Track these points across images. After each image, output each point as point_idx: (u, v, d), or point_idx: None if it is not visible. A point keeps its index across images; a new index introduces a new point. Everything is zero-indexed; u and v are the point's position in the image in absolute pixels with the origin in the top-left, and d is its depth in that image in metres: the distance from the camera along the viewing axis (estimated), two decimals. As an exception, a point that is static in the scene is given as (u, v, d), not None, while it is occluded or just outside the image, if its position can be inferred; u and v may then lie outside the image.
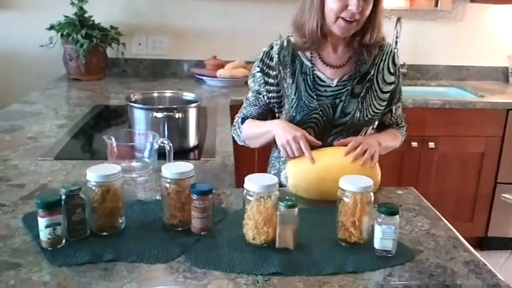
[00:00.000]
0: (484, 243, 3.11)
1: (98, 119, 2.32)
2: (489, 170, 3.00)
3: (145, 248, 1.14)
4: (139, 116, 1.79)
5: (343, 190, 1.16)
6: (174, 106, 1.79)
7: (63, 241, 1.15)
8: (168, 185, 1.21)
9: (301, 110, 1.63)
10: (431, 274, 1.07)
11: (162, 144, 1.60)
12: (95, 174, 1.18)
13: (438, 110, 2.88)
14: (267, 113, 1.73)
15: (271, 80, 1.66)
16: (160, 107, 1.81)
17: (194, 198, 1.19)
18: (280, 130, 1.51)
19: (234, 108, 2.57)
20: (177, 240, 1.18)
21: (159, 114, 1.74)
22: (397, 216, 1.12)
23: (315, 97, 1.62)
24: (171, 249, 1.14)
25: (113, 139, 1.60)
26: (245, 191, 1.16)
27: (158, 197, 1.41)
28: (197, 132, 1.88)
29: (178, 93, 1.97)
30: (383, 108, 1.66)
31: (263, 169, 1.87)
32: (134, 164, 1.64)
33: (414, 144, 2.88)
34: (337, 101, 1.62)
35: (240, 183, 1.73)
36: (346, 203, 1.16)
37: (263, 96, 1.68)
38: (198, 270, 1.07)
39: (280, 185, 1.65)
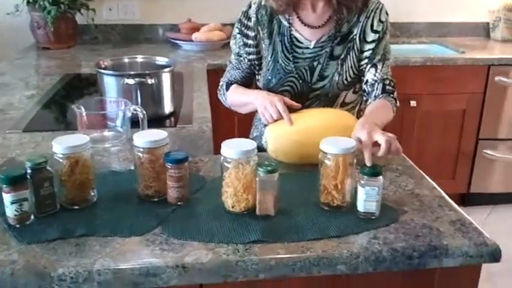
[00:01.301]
0: (466, 199, 3.13)
1: (69, 88, 2.23)
2: (471, 127, 2.99)
3: (119, 220, 1.09)
4: (110, 83, 1.71)
5: (325, 153, 1.11)
6: (147, 72, 1.71)
7: (32, 217, 1.09)
8: (140, 155, 1.15)
9: (277, 73, 1.56)
10: (416, 235, 1.04)
11: (134, 112, 1.53)
12: (61, 145, 1.11)
13: (419, 68, 2.83)
14: (252, 77, 1.67)
15: (250, 42, 1.60)
16: (132, 72, 1.72)
17: (169, 167, 1.13)
18: (259, 99, 1.45)
19: (211, 72, 2.50)
20: (153, 212, 1.12)
21: (131, 81, 1.66)
22: (381, 177, 1.07)
23: (291, 59, 1.55)
24: (147, 221, 1.08)
25: (83, 108, 1.53)
26: (222, 157, 1.11)
27: (133, 167, 1.35)
28: (172, 98, 1.80)
29: (151, 58, 1.88)
30: (362, 69, 1.57)
31: (244, 134, 1.82)
32: (106, 133, 1.57)
33: (396, 103, 2.84)
34: (315, 63, 1.55)
35: (218, 150, 1.68)
36: (327, 166, 1.11)
37: (244, 59, 1.62)
38: (175, 241, 1.02)
39: (263, 149, 1.61)
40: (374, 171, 1.07)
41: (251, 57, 1.61)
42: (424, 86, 2.87)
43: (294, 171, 1.32)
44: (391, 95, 1.55)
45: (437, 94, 2.90)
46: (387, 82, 1.55)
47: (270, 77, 1.56)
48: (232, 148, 1.09)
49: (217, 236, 1.03)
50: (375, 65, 1.55)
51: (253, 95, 1.52)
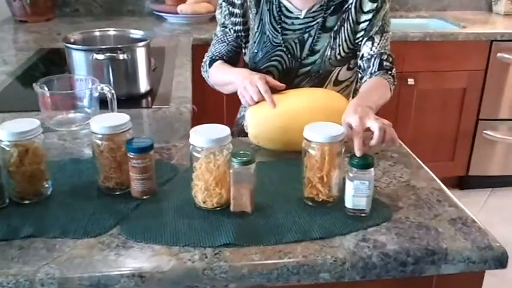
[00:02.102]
0: (464, 182, 3.00)
1: (43, 64, 2.07)
2: (471, 107, 2.84)
3: (73, 218, 0.95)
4: (78, 59, 1.55)
5: (308, 141, 0.97)
6: (118, 46, 1.55)
7: (-26, 214, 0.95)
8: (99, 142, 1.01)
9: (264, 46, 1.41)
10: (412, 237, 0.91)
11: (102, 91, 1.38)
12: (7, 131, 0.97)
13: (418, 44, 2.67)
14: (239, 51, 1.51)
15: (236, 10, 1.44)
16: (102, 47, 1.56)
17: (131, 156, 0.99)
18: (239, 79, 1.29)
19: (197, 48, 2.33)
20: (113, 208, 0.99)
21: (100, 56, 1.51)
22: (372, 169, 0.94)
23: (279, 31, 1.40)
24: (104, 219, 0.95)
25: (45, 87, 1.38)
26: (191, 146, 0.97)
27: (96, 154, 1.21)
28: (149, 75, 1.65)
29: (125, 32, 1.72)
30: (358, 43, 1.41)
31: (234, 116, 1.68)
32: (72, 115, 1.42)
33: (393, 81, 2.69)
34: (306, 36, 1.40)
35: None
36: (312, 156, 0.97)
37: (229, 30, 1.47)
38: (134, 244, 0.89)
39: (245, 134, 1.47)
40: (364, 163, 0.93)
41: (237, 28, 1.46)
42: (422, 63, 2.72)
43: (276, 159, 1.18)
44: (389, 72, 1.38)
45: (436, 71, 2.75)
46: (385, 57, 1.38)
47: (256, 50, 1.42)
48: (203, 135, 0.95)
49: (184, 237, 0.90)
50: (371, 38, 1.38)
51: (234, 74, 1.37)
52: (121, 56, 1.52)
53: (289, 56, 1.40)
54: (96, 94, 1.38)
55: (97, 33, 1.70)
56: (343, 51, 1.40)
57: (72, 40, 1.62)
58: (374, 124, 1.04)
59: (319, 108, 1.20)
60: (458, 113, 2.86)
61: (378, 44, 1.38)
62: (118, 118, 1.03)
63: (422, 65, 2.72)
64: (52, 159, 1.18)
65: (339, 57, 1.40)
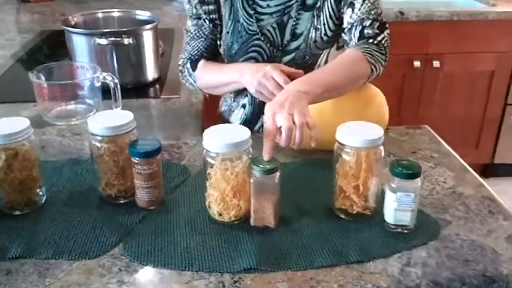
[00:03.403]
0: (489, 170, 2.84)
1: (44, 48, 1.93)
2: (499, 91, 2.66)
3: (69, 234, 0.82)
4: (79, 43, 1.41)
5: (342, 144, 0.83)
6: (123, 29, 1.41)
7: (-44, 228, 0.83)
8: (99, 144, 0.87)
9: (239, 37, 1.21)
10: (465, 259, 0.77)
11: (104, 81, 1.24)
12: (-8, 133, 0.84)
13: (444, 23, 2.49)
14: (217, 45, 1.27)
15: None
16: (105, 30, 1.42)
17: (136, 162, 0.86)
18: (248, 75, 1.11)
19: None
20: (115, 220, 0.86)
21: (103, 41, 1.36)
22: (419, 179, 0.79)
23: (254, 16, 1.19)
24: (105, 236, 0.82)
25: (42, 76, 1.24)
26: (205, 150, 0.83)
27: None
28: (156, 62, 1.51)
29: (130, 12, 1.58)
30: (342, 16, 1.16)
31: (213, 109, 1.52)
32: (73, 107, 1.29)
33: (417, 63, 2.52)
34: (285, 18, 1.18)
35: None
36: (346, 162, 0.83)
37: (204, 21, 1.24)
38: (139, 267, 0.76)
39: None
40: (410, 172, 0.79)
41: (212, 16, 1.23)
42: (448, 44, 2.54)
43: (299, 159, 1.04)
44: (371, 41, 1.10)
45: (463, 53, 2.57)
46: (368, 23, 1.11)
47: (230, 42, 1.22)
48: (218, 138, 0.81)
49: (197, 260, 0.76)
50: (351, 4, 1.13)
51: (236, 72, 1.16)
52: (126, 41, 1.38)
53: (269, 44, 1.20)
54: (98, 84, 1.24)
55: (100, 15, 1.55)
56: (329, 29, 1.18)
57: (72, 23, 1.48)
58: (283, 122, 0.87)
59: (347, 99, 1.05)
60: (485, 97, 2.68)
61: (359, 10, 1.12)
62: (120, 116, 0.89)
63: (449, 46, 2.54)
64: (48, 158, 1.06)
65: (325, 38, 1.18)
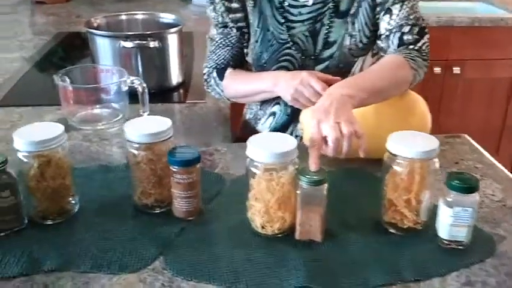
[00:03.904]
0: (508, 178, 2.80)
1: (61, 50, 1.90)
2: (519, 98, 2.63)
3: (106, 246, 0.78)
4: (103, 46, 1.38)
5: (393, 155, 0.79)
6: (148, 32, 1.37)
7: (-13, 238, 0.79)
8: (135, 152, 0.84)
9: (269, 46, 1.16)
10: (527, 278, 0.73)
11: (132, 85, 1.20)
12: (25, 140, 0.80)
13: (465, 30, 2.45)
14: (244, 53, 1.23)
15: (234, 5, 1.17)
16: (130, 33, 1.39)
17: (174, 170, 0.82)
18: (282, 84, 1.07)
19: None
20: (153, 232, 0.82)
21: (129, 44, 1.33)
22: (477, 193, 0.75)
23: (285, 25, 1.15)
24: (144, 248, 0.78)
25: (67, 79, 1.21)
26: (248, 159, 0.79)
27: (128, 161, 1.04)
28: (181, 66, 1.47)
29: (154, 15, 1.54)
30: (378, 22, 1.12)
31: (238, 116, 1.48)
32: (98, 111, 1.25)
33: (437, 70, 2.47)
34: (317, 26, 1.14)
35: (239, 135, 1.35)
36: (397, 174, 0.79)
37: (231, 29, 1.19)
38: (184, 283, 0.72)
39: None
40: (469, 186, 0.74)
41: (240, 24, 1.18)
42: (469, 50, 2.50)
43: (338, 168, 1.00)
44: (411, 47, 1.07)
45: (483, 60, 2.53)
46: (407, 29, 1.07)
47: (260, 51, 1.18)
48: (264, 147, 0.77)
49: (244, 276, 0.72)
50: (389, 10, 1.09)
51: (269, 80, 1.12)
52: (151, 44, 1.34)
53: (301, 53, 1.16)
54: (125, 88, 1.20)
55: (123, 17, 1.52)
56: (365, 36, 1.13)
57: (95, 25, 1.45)
58: (329, 133, 0.84)
59: (388, 106, 1.01)
60: (505, 104, 2.64)
61: (397, 16, 1.08)
62: (157, 123, 0.85)
63: (469, 52, 2.50)
64: (77, 165, 1.01)
65: (360, 45, 1.14)
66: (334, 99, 0.89)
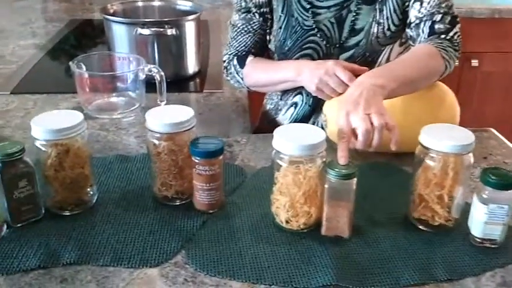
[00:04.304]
0: (524, 174, 2.75)
1: (75, 38, 1.87)
2: (538, 92, 2.57)
3: (126, 239, 0.76)
4: (119, 33, 1.35)
5: (426, 148, 0.75)
6: (166, 19, 1.34)
7: (4, 229, 0.77)
8: (156, 142, 0.81)
9: (293, 32, 1.12)
10: None
11: (150, 73, 1.17)
12: (44, 128, 0.77)
13: (484, 21, 2.40)
14: (266, 40, 1.19)
15: None
16: (147, 20, 1.35)
17: (197, 161, 0.79)
18: (306, 74, 1.03)
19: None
20: (174, 225, 0.79)
21: (146, 31, 1.30)
22: (514, 190, 0.72)
23: (310, 11, 1.11)
24: (165, 241, 0.75)
25: (83, 66, 1.18)
26: (274, 151, 0.76)
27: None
28: (198, 54, 1.44)
29: (171, 2, 1.50)
30: (407, 10, 1.08)
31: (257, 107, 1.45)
32: (115, 99, 1.23)
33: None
34: (344, 12, 1.10)
35: (257, 125, 1.32)
36: (430, 168, 0.76)
37: (254, 15, 1.16)
38: (206, 279, 0.69)
39: (276, 126, 1.25)
40: (506, 182, 0.71)
41: (263, 9, 1.15)
42: (488, 42, 2.44)
43: (363, 163, 0.96)
44: (443, 36, 1.03)
45: (502, 52, 2.47)
46: (438, 18, 1.03)
47: (283, 38, 1.14)
48: (291, 139, 0.74)
49: (269, 272, 0.70)
50: None
51: (291, 69, 1.08)
52: (169, 31, 1.31)
53: (325, 41, 1.12)
54: (142, 76, 1.17)
55: (139, 4, 1.49)
56: (393, 24, 1.09)
57: (111, 11, 1.42)
58: (359, 125, 0.81)
59: (417, 98, 0.97)
60: (524, 99, 2.59)
61: (429, 4, 1.04)
62: (179, 112, 0.82)
63: (488, 45, 2.44)
64: (94, 155, 0.99)
65: (388, 33, 1.09)
66: (364, 89, 0.85)
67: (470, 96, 2.54)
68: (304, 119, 1.20)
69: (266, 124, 1.29)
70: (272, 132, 1.23)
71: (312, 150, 0.74)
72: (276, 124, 1.25)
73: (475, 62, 2.45)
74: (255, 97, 1.43)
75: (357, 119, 0.80)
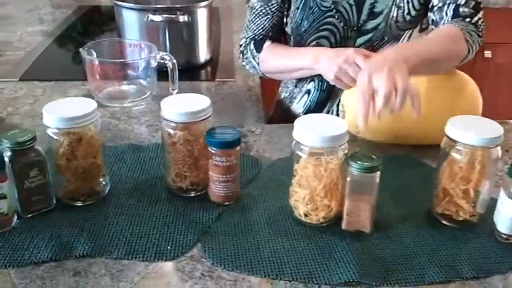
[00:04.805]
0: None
1: (84, 24, 1.84)
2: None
3: (140, 231, 0.74)
4: (130, 19, 1.32)
5: (452, 140, 0.73)
6: (178, 6, 1.31)
7: (15, 219, 0.75)
8: (172, 131, 0.78)
9: (310, 13, 1.09)
10: None
11: (162, 61, 1.15)
12: (56, 116, 0.75)
13: (499, 12, 2.35)
14: (283, 24, 1.17)
15: None
16: (159, 6, 1.32)
17: (213, 152, 0.76)
18: (324, 61, 1.00)
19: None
20: (189, 217, 0.77)
21: (157, 17, 1.27)
22: (544, 185, 0.69)
23: None
24: (181, 234, 0.73)
25: (94, 53, 1.15)
26: (294, 142, 0.73)
27: (160, 141, 0.99)
28: (209, 42, 1.41)
29: (183, -12, 1.47)
30: None
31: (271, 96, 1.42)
32: (125, 87, 1.20)
33: (468, 53, 2.39)
34: None
35: (271, 115, 1.30)
36: (456, 161, 0.73)
37: None
38: (223, 273, 0.67)
39: (290, 115, 1.21)
40: (536, 177, 0.68)
41: None
42: (502, 33, 2.39)
43: (382, 155, 0.94)
44: (468, 20, 1.00)
45: (516, 44, 2.44)
46: (462, 1, 1.00)
47: (300, 19, 1.11)
48: (313, 130, 0.72)
49: (288, 267, 0.67)
50: None
51: (309, 56, 1.05)
52: (181, 18, 1.28)
53: (343, 23, 1.09)
54: (154, 64, 1.15)
55: (150, -10, 1.46)
56: (414, 9, 1.06)
57: (122, -4, 1.38)
58: (382, 84, 0.78)
59: (435, 85, 0.94)
60: (536, 91, 2.55)
61: None
62: (195, 101, 0.80)
63: (502, 36, 2.40)
64: (106, 143, 0.97)
65: (408, 17, 1.06)
66: (388, 58, 0.83)
67: (482, 88, 2.48)
68: (318, 105, 1.17)
69: (280, 113, 1.27)
70: (287, 121, 1.21)
71: (334, 142, 0.71)
72: (291, 113, 1.22)
73: (488, 53, 2.41)
74: (268, 86, 1.40)
75: (380, 79, 0.78)
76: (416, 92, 0.79)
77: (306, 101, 1.19)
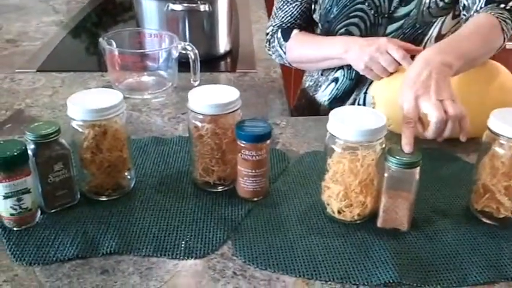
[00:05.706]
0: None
1: (101, 14, 1.82)
2: None
3: (168, 227, 0.71)
4: (149, 9, 1.29)
5: (496, 134, 0.69)
6: (197, -5, 1.28)
7: (38, 215, 0.72)
8: (199, 124, 0.75)
9: (339, 0, 1.07)
10: None
11: (183, 51, 1.12)
12: (81, 108, 0.72)
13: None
14: (312, 12, 1.13)
15: None
16: (179, -5, 1.29)
17: (243, 146, 0.73)
18: (355, 51, 0.97)
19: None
20: (218, 213, 0.74)
21: (178, 7, 1.24)
22: None
23: None
24: (210, 230, 0.71)
25: (114, 43, 1.13)
26: (328, 135, 0.70)
27: (182, 133, 0.96)
28: (229, 32, 1.38)
29: (203, -23, 1.44)
30: None
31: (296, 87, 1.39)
32: (146, 79, 1.18)
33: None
34: None
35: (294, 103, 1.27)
36: (498, 156, 0.69)
37: None
38: (256, 272, 0.64)
39: (314, 103, 1.17)
40: None
41: None
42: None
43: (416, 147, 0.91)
44: (502, 6, 0.95)
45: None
46: None
47: (329, 6, 1.08)
48: (350, 124, 0.68)
49: (324, 267, 0.64)
50: None
51: (339, 45, 1.03)
52: (202, 7, 1.25)
53: (374, 10, 1.05)
54: (176, 54, 1.12)
55: (171, -22, 1.42)
56: None
57: (141, -14, 1.35)
58: (432, 112, 0.74)
59: (470, 81, 0.90)
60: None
61: None
62: (224, 93, 0.77)
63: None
64: (128, 136, 0.94)
65: (441, 3, 1.02)
66: (433, 69, 0.78)
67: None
68: (344, 95, 1.14)
69: (303, 103, 1.24)
70: (310, 110, 1.17)
71: (371, 136, 0.68)
72: (315, 102, 1.19)
73: (509, 44, 2.36)
74: (289, 78, 1.37)
75: (429, 106, 0.74)
76: (465, 114, 0.76)
77: (333, 89, 1.15)
